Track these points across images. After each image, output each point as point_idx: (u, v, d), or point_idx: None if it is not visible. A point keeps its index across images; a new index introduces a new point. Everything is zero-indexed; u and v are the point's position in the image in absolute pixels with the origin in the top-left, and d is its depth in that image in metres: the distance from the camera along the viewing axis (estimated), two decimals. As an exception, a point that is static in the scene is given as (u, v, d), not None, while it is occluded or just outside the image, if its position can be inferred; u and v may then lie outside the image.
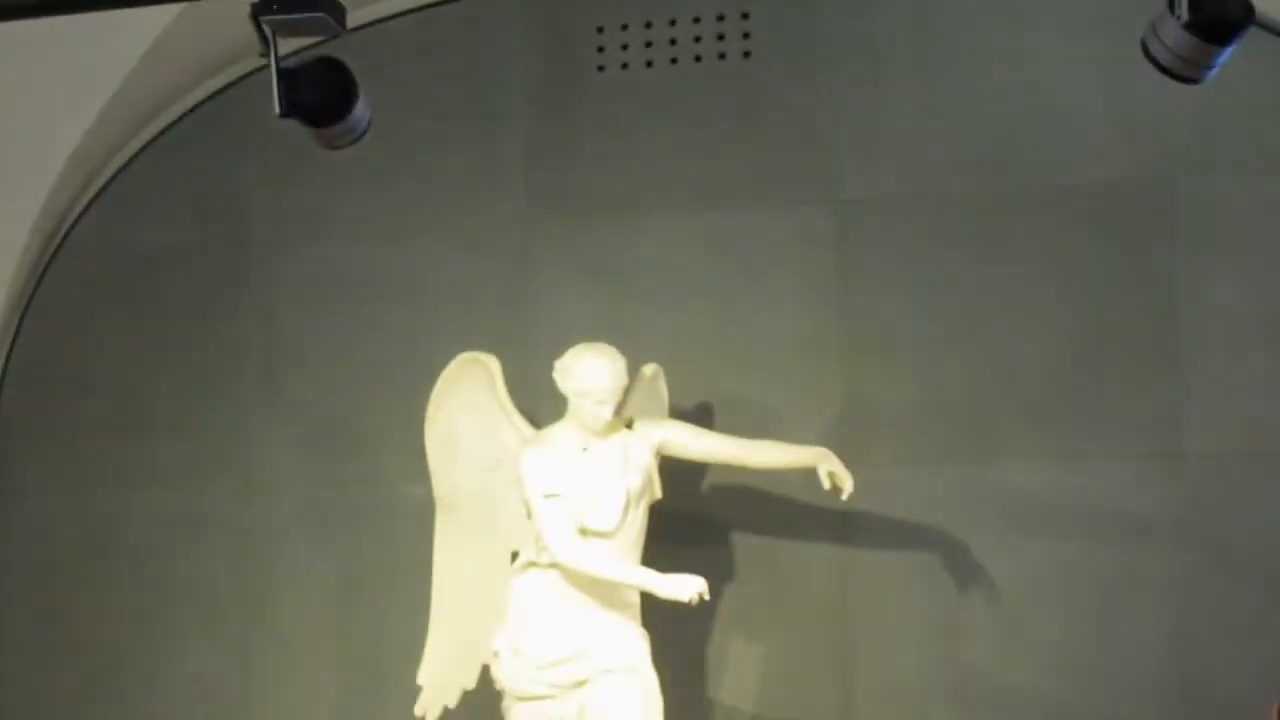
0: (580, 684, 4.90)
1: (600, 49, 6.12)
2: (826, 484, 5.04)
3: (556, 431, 5.07)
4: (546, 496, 4.89)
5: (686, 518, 5.66)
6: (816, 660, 5.81)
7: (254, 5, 4.07)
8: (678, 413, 5.50)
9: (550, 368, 5.24)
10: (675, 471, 5.41)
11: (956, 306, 5.80)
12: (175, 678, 6.40)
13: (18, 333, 6.70)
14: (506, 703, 5.01)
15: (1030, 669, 5.65)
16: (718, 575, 5.02)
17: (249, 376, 6.44)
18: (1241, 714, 5.45)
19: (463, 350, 5.54)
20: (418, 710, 5.40)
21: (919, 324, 5.83)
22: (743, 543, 5.86)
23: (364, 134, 4.50)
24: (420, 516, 5.88)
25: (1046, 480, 5.68)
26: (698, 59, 6.06)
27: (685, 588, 4.77)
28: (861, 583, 5.80)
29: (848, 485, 5.03)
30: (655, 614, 5.22)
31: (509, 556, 5.19)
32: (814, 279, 5.91)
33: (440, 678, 5.38)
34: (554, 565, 4.92)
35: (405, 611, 5.90)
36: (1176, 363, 5.64)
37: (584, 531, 4.90)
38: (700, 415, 5.71)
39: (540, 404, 5.45)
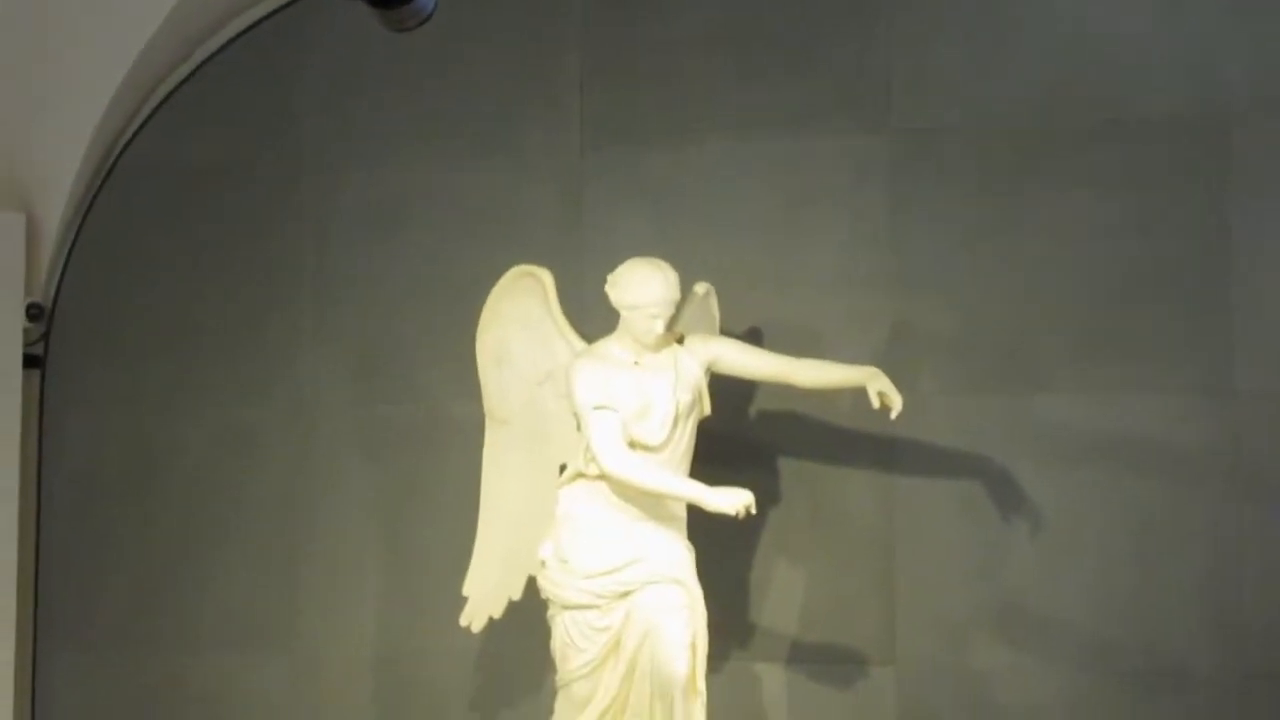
0: (625, 594, 4.93)
1: (657, -27, 6.14)
2: (876, 403, 5.06)
3: (608, 345, 5.10)
4: (596, 408, 4.92)
5: (733, 441, 5.69)
6: (859, 586, 5.84)
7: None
8: (726, 337, 5.51)
9: (602, 288, 5.27)
10: (723, 395, 5.43)
11: (1006, 238, 5.80)
12: (223, 593, 6.50)
13: (73, 248, 6.79)
14: (552, 612, 5.06)
15: (1072, 600, 5.66)
16: (763, 499, 5.03)
17: (300, 295, 6.51)
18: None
19: (515, 272, 5.58)
20: (463, 620, 5.45)
21: (968, 255, 5.83)
22: (788, 467, 5.88)
23: (430, 15, 4.50)
24: (467, 435, 5.93)
25: (1092, 413, 5.68)
26: (754, -16, 6.07)
27: (733, 501, 4.81)
28: (905, 510, 5.82)
29: (897, 404, 5.05)
30: (699, 533, 5.27)
31: (557, 469, 5.24)
32: (865, 208, 5.92)
33: (486, 589, 5.43)
34: (602, 477, 4.95)
35: (450, 527, 5.98)
36: (1226, 299, 5.62)
37: (632, 444, 4.93)
38: (748, 340, 5.71)
39: (591, 326, 5.47)
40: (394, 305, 6.39)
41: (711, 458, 5.27)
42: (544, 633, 5.31)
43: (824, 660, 5.84)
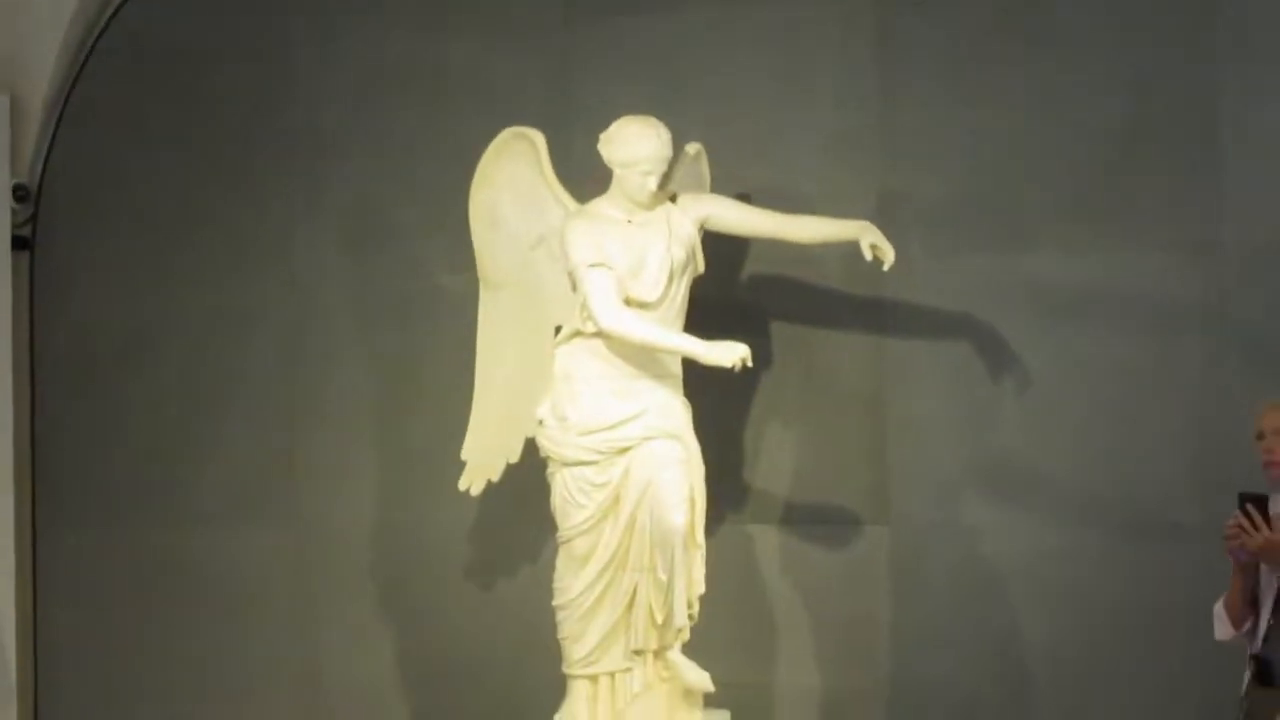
0: (624, 450, 4.99)
1: None
2: (869, 255, 5.11)
3: (601, 204, 5.13)
4: (592, 266, 4.94)
5: (724, 306, 5.73)
6: (851, 446, 5.91)
7: None
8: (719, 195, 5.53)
9: (591, 154, 5.29)
10: (714, 259, 5.46)
11: (994, 100, 5.81)
12: (222, 466, 6.56)
13: (57, 127, 6.76)
14: (551, 470, 5.11)
15: (1059, 455, 5.74)
16: (755, 363, 5.04)
17: (292, 169, 6.51)
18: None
19: (506, 139, 5.58)
20: (462, 484, 5.52)
21: (956, 117, 5.84)
22: (780, 331, 5.93)
23: None
24: (460, 305, 5.98)
25: (1079, 271, 5.73)
26: None
27: (729, 354, 4.85)
28: (896, 371, 5.88)
29: (889, 257, 5.09)
30: (693, 394, 5.32)
31: (552, 331, 5.27)
32: (853, 71, 5.92)
33: (484, 452, 5.49)
34: (599, 335, 4.99)
35: (445, 395, 6.03)
36: (1214, 159, 5.64)
37: (628, 302, 4.97)
38: (739, 204, 5.75)
39: (580, 192, 5.47)
40: (385, 177, 6.40)
41: (703, 323, 5.31)
42: (541, 499, 5.37)
43: (817, 520, 5.93)
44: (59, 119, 6.75)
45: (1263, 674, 4.37)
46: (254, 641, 6.52)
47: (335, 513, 6.42)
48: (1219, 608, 4.54)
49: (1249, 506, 4.27)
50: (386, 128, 6.38)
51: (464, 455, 5.49)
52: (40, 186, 6.78)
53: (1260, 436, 4.45)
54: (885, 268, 5.11)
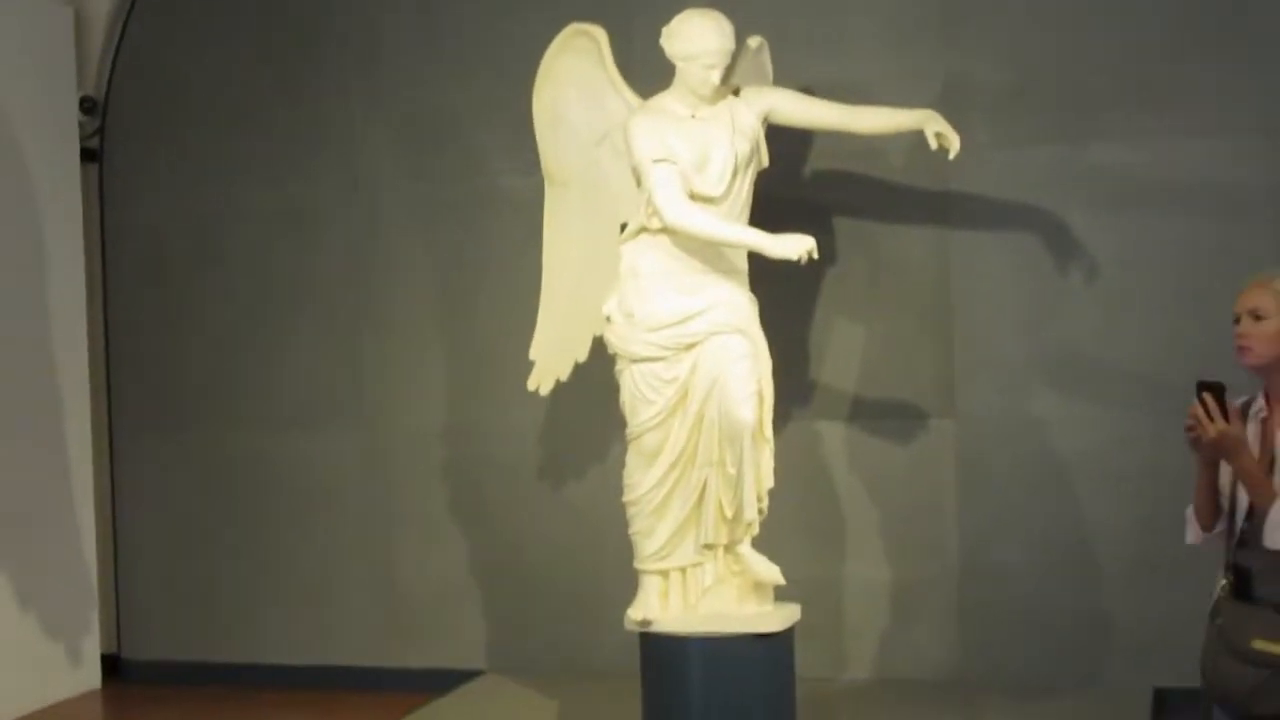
0: (691, 346, 4.98)
1: None
2: (934, 144, 5.06)
3: (664, 100, 5.10)
4: (656, 161, 4.92)
5: (787, 202, 5.71)
6: (916, 341, 5.92)
7: None
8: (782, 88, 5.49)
9: (650, 50, 5.26)
10: (777, 156, 5.42)
11: (1060, -14, 5.76)
12: (291, 371, 6.66)
13: (121, 39, 6.80)
14: (619, 366, 5.12)
15: (1126, 345, 5.73)
16: (820, 258, 5.04)
17: (350, 70, 6.54)
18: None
19: (562, 38, 5.56)
20: (530, 384, 5.54)
21: (1021, 3, 5.79)
22: (844, 226, 5.93)
23: None
24: (522, 204, 6.01)
25: (1146, 158, 5.69)
26: None
27: (795, 246, 4.83)
28: (961, 264, 5.87)
29: (955, 144, 5.05)
30: (759, 290, 5.32)
31: (617, 229, 5.26)
32: (915, -39, 5.88)
33: (552, 351, 5.51)
34: (664, 230, 4.97)
35: (511, 296, 6.09)
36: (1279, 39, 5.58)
37: (693, 196, 4.95)
38: (800, 98, 5.71)
39: (640, 87, 5.44)
40: (444, 76, 6.42)
41: (766, 219, 5.27)
42: (608, 398, 5.39)
43: (884, 415, 5.95)
44: (123, 30, 6.80)
45: (1239, 586, 3.90)
46: (327, 542, 6.63)
47: (405, 414, 6.50)
48: (1190, 510, 4.09)
49: (1205, 395, 3.85)
50: (445, 26, 6.39)
51: (532, 355, 5.51)
52: (106, 98, 6.84)
53: (1237, 320, 4.00)
54: (951, 156, 5.07)
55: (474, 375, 6.36)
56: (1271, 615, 3.78)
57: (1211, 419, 3.82)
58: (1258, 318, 3.95)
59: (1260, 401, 4.02)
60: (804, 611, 5.28)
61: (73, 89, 6.67)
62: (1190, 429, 3.86)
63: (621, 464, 5.25)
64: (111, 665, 6.86)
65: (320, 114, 6.55)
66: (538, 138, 5.39)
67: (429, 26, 6.40)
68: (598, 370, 5.43)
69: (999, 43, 5.80)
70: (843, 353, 5.97)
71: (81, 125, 6.73)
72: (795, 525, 5.76)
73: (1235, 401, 3.93)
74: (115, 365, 6.89)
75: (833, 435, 6.00)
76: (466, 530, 6.43)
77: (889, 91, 5.67)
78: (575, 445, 6.26)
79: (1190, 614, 5.54)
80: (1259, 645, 3.79)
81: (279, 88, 6.61)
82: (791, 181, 5.81)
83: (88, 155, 6.78)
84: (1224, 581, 3.95)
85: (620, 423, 5.24)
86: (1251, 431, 3.94)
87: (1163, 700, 5.60)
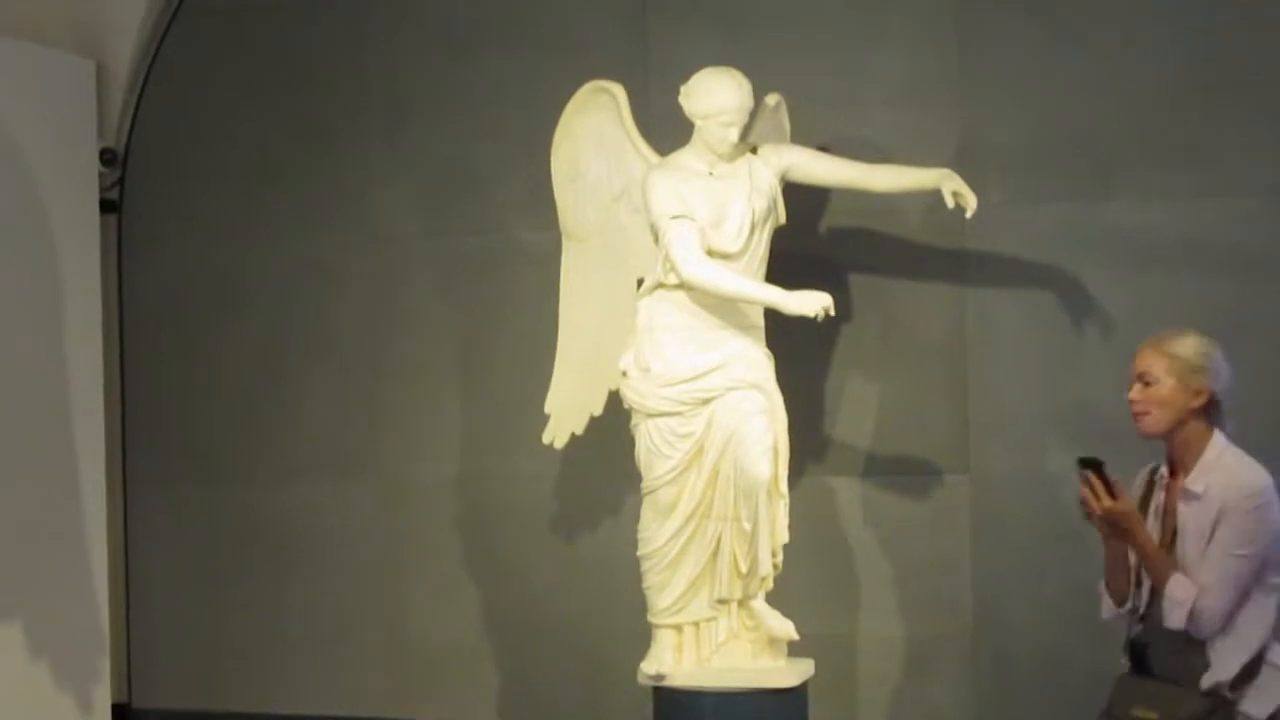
0: (707, 401, 5.01)
1: None
2: (951, 203, 5.10)
3: (682, 156, 5.14)
4: (674, 218, 4.96)
5: (803, 258, 5.72)
6: (932, 397, 5.91)
7: None
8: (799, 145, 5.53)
9: (667, 105, 5.30)
10: (793, 213, 5.47)
11: (1074, 45, 5.77)
12: (307, 422, 6.66)
13: (143, 91, 6.86)
14: (635, 421, 5.15)
15: (1144, 404, 5.70)
16: (835, 315, 5.06)
17: (370, 125, 6.58)
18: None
19: (583, 94, 5.59)
20: (546, 438, 5.57)
21: (1035, 63, 5.81)
22: (859, 283, 5.93)
23: None
24: (539, 259, 6.04)
25: (1162, 218, 5.68)
26: None
27: (812, 303, 4.86)
28: (977, 321, 5.87)
29: (972, 204, 5.08)
30: (774, 346, 5.34)
31: (634, 284, 5.30)
32: (931, 15, 5.90)
33: (568, 405, 5.53)
34: (681, 286, 5.01)
35: (526, 349, 6.09)
36: (1297, 100, 5.61)
37: (710, 253, 4.98)
38: (817, 155, 5.73)
39: (658, 144, 5.49)
40: (463, 132, 6.44)
41: (782, 275, 5.30)
42: (622, 451, 5.41)
43: (899, 471, 5.94)
44: (144, 83, 6.85)
45: (1137, 664, 3.88)
46: (340, 593, 6.61)
47: (420, 467, 6.49)
48: (1101, 585, 4.03)
49: (1086, 473, 3.79)
50: (464, 81, 6.42)
51: (547, 408, 5.53)
52: (127, 150, 6.89)
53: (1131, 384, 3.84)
54: (968, 215, 5.10)
55: (489, 427, 6.36)
56: (1158, 687, 3.72)
57: (1098, 496, 3.74)
58: (1147, 383, 3.84)
59: (1164, 469, 3.94)
60: (817, 667, 5.28)
61: (93, 140, 6.71)
62: (1083, 504, 3.80)
63: (636, 517, 5.26)
64: (121, 715, 6.83)
65: (340, 168, 6.58)
66: (556, 193, 5.43)
67: (449, 83, 6.43)
68: (612, 424, 5.44)
69: (1014, 101, 5.82)
70: (857, 408, 5.96)
71: (101, 176, 6.76)
72: (808, 580, 5.75)
73: (1144, 469, 3.82)
74: (131, 415, 6.90)
75: (847, 491, 5.99)
76: (480, 582, 6.42)
77: (904, 150, 5.70)
78: (589, 498, 6.25)
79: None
80: (1138, 713, 3.74)
81: (299, 141, 6.64)
82: (807, 237, 5.82)
83: (107, 206, 6.81)
84: (1124, 660, 3.87)
85: (635, 476, 5.26)
86: (1158, 501, 3.87)
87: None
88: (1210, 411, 3.72)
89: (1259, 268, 5.61)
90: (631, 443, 5.26)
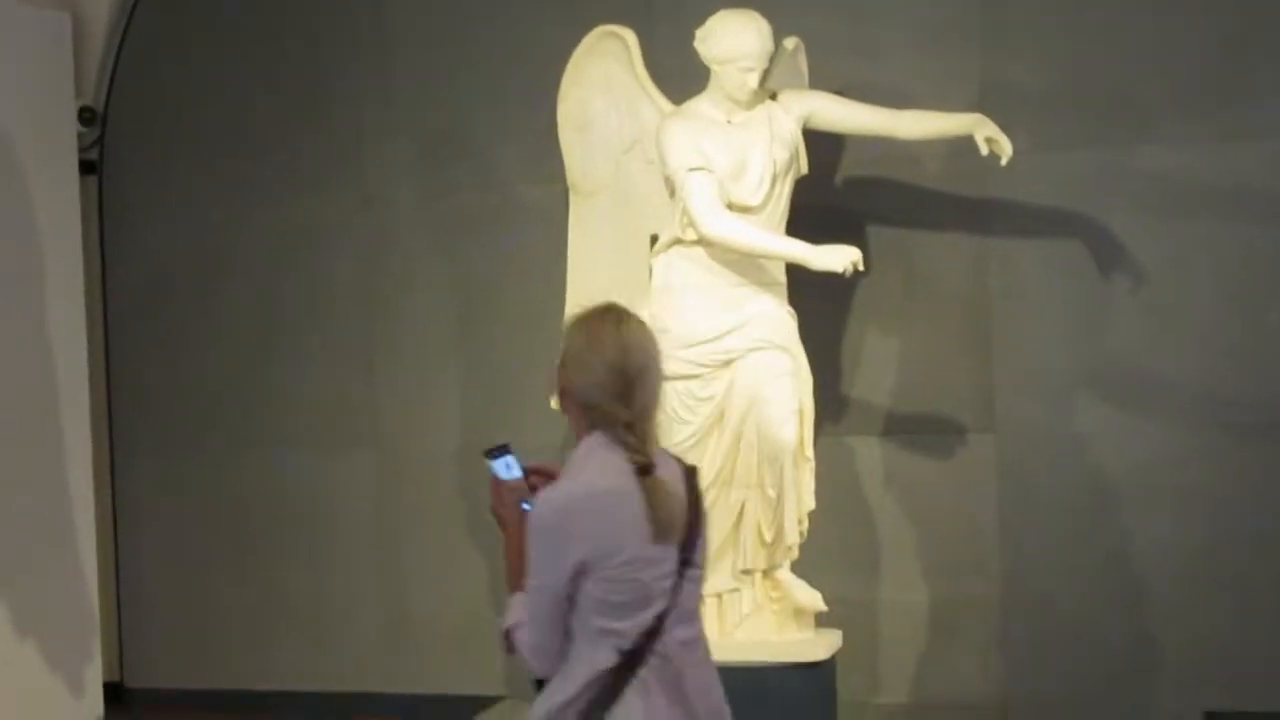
0: (728, 363, 4.78)
1: None
2: (984, 150, 4.86)
3: (698, 104, 4.88)
4: (691, 170, 4.71)
5: (819, 211, 5.48)
6: (955, 352, 5.70)
7: None
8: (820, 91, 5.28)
9: (676, 49, 5.05)
10: (808, 163, 5.23)
11: (1102, -14, 5.55)
12: (302, 391, 6.44)
13: (121, 47, 6.59)
14: (652, 384, 4.89)
15: (1175, 355, 5.51)
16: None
17: (362, 80, 6.33)
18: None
19: (581, 47, 5.34)
20: (554, 403, 5.30)
21: (1060, 3, 5.58)
22: (879, 235, 5.70)
23: None
24: (542, 216, 5.81)
25: (1194, 163, 5.48)
26: None
27: (840, 258, 4.63)
28: (1001, 273, 5.66)
29: (1007, 150, 4.84)
30: (791, 302, 5.11)
31: (647, 241, 5.05)
32: (953, -41, 5.67)
33: (578, 369, 5.28)
34: (700, 242, 4.77)
35: (532, 312, 5.89)
36: (1333, 41, 5.39)
37: (729, 206, 4.74)
38: (835, 102, 5.49)
39: (672, 95, 5.24)
40: (460, 86, 6.18)
41: (800, 230, 5.07)
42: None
43: (921, 430, 5.73)
44: (123, 37, 6.57)
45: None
46: (338, 566, 6.41)
47: (419, 435, 6.27)
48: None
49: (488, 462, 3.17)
50: (459, 33, 6.17)
51: (557, 371, 5.27)
52: (106, 108, 6.62)
53: None
54: (1003, 162, 4.86)
55: (491, 395, 6.13)
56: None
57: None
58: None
59: None
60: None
61: (71, 99, 6.43)
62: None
63: (651, 486, 5.02)
64: (114, 693, 6.62)
65: (330, 126, 6.33)
66: (563, 145, 5.17)
67: (443, 33, 6.17)
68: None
69: (1039, 43, 5.59)
70: (877, 365, 5.75)
71: (80, 136, 6.48)
72: (828, 545, 5.52)
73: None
74: (116, 385, 6.66)
75: (867, 451, 5.78)
76: (485, 552, 6.20)
77: (926, 95, 5.45)
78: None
79: (1241, 636, 5.40)
80: None
81: (287, 98, 6.38)
82: (823, 188, 5.58)
83: (87, 167, 6.54)
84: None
85: (651, 442, 5.02)
86: None
87: (1213, 724, 5.39)
88: (586, 409, 2.93)
89: (1295, 212, 5.41)
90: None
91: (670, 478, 2.89)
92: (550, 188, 5.60)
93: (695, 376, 4.80)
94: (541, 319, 5.58)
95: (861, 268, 4.63)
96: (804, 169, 4.95)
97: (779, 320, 4.83)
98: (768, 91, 4.91)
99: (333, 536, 6.41)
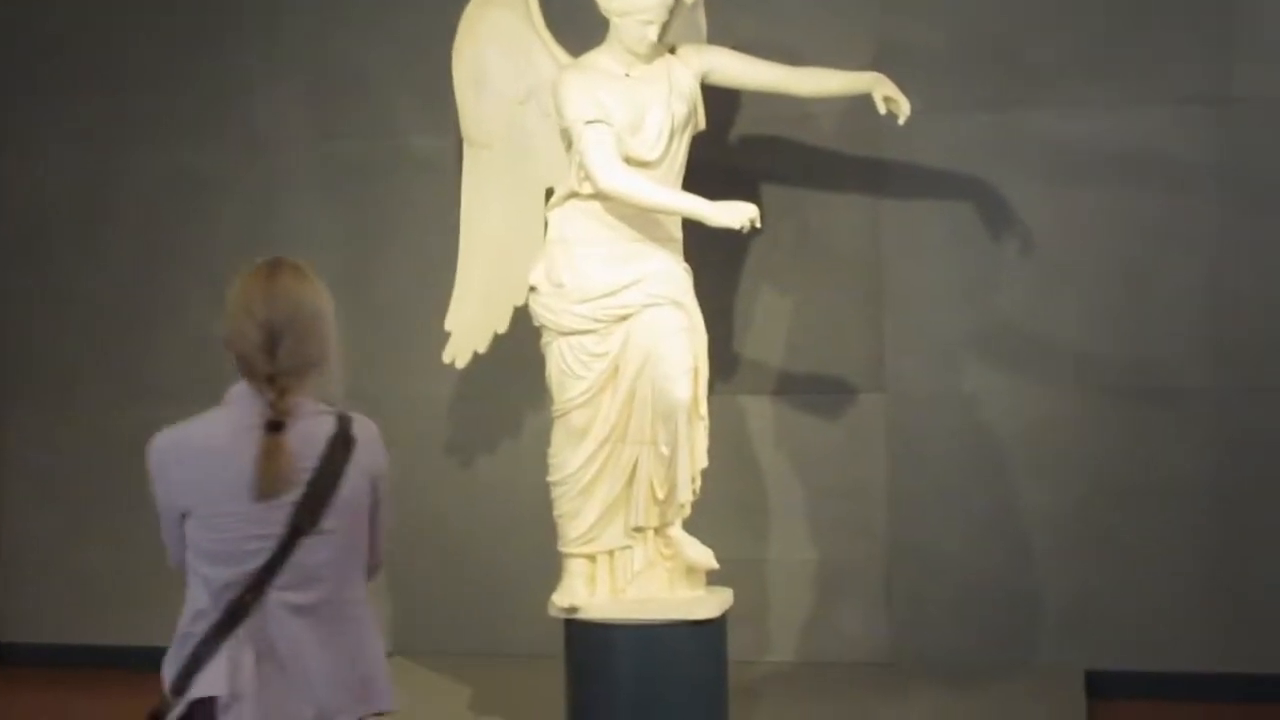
0: (624, 318, 4.71)
1: None
2: (882, 109, 4.84)
3: (596, 56, 4.80)
4: (588, 122, 4.63)
5: (713, 168, 5.41)
6: (847, 313, 5.71)
7: None
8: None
9: (571, 5, 4.97)
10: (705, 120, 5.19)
11: (997, -55, 5.55)
12: (179, 338, 6.26)
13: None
14: (545, 339, 4.83)
15: (1064, 319, 5.57)
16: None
17: (248, 22, 6.15)
18: (1277, 358, 5.42)
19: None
20: (446, 357, 5.22)
21: (956, -36, 5.60)
22: (773, 194, 5.68)
23: None
24: (435, 167, 5.71)
25: (1088, 127, 5.52)
26: None
27: (737, 214, 4.57)
28: (894, 234, 5.67)
29: (905, 109, 4.82)
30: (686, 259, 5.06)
31: (543, 195, 4.97)
32: (849, -83, 5.64)
33: (470, 322, 5.19)
34: (596, 196, 4.69)
35: (423, 264, 5.78)
36: (1226, 8, 5.44)
37: (626, 160, 4.66)
38: (730, 60, 5.45)
39: (571, 46, 5.16)
40: (350, 30, 6.05)
41: (693, 185, 5.02)
42: (525, 371, 5.13)
43: (811, 390, 5.74)
44: (-7, -26, 6.36)
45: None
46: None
47: (307, 389, 6.12)
48: None
49: None
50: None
51: (448, 326, 5.18)
52: (-22, 39, 6.40)
53: None
54: (901, 121, 4.84)
55: (380, 347, 6.01)
56: None
57: None
58: None
59: None
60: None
61: (-61, 35, 6.20)
62: None
63: (541, 441, 4.98)
64: (-5, 651, 6.45)
65: (215, 68, 6.15)
66: (457, 96, 5.05)
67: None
68: (515, 341, 5.13)
69: (937, 4, 5.59)
70: (769, 324, 5.74)
71: (-49, 70, 6.25)
72: (718, 504, 5.49)
73: None
74: (-9, 332, 6.45)
75: (758, 410, 5.77)
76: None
77: (821, 54, 5.43)
78: (490, 421, 5.97)
79: (1122, 596, 5.48)
80: None
81: (169, 38, 6.19)
82: (718, 145, 5.53)
83: (-42, 102, 6.32)
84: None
85: (541, 398, 4.98)
86: None
87: (1095, 683, 5.45)
88: (236, 359, 3.00)
89: (1183, 180, 5.48)
90: (535, 362, 4.95)
91: (306, 437, 2.86)
92: (444, 138, 5.54)
93: (590, 332, 4.73)
94: (433, 270, 5.47)
95: (759, 225, 4.58)
96: (701, 124, 4.89)
97: (676, 276, 4.77)
98: (666, 45, 4.85)
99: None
